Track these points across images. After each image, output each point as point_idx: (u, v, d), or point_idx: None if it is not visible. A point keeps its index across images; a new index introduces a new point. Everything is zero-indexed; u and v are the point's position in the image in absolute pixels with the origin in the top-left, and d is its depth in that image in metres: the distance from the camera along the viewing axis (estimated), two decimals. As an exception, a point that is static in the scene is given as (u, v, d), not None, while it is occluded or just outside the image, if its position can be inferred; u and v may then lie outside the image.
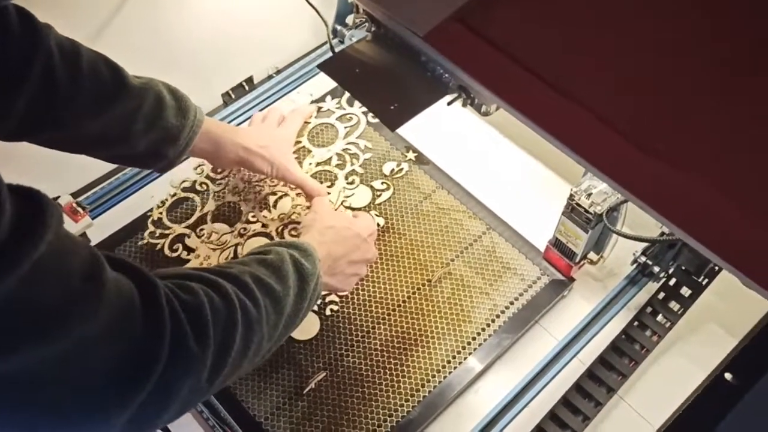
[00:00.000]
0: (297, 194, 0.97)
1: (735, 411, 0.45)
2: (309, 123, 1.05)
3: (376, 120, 1.05)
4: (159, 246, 0.94)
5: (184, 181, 1.00)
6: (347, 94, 1.08)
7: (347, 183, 0.99)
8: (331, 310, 0.87)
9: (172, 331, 0.49)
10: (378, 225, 0.95)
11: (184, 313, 0.51)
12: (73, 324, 0.43)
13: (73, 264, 0.44)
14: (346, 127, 1.05)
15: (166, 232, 0.96)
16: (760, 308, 0.55)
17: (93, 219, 0.95)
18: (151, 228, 0.96)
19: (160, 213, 0.97)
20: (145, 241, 0.95)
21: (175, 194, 0.99)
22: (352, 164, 1.01)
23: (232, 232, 0.95)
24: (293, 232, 0.94)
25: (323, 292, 0.83)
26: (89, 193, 0.99)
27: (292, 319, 0.67)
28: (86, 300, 0.44)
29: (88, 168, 1.00)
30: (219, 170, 1.01)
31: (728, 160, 0.52)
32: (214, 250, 0.93)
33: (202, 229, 0.95)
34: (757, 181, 0.50)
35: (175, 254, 0.94)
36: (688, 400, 0.51)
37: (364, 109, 1.06)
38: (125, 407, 0.47)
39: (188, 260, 0.93)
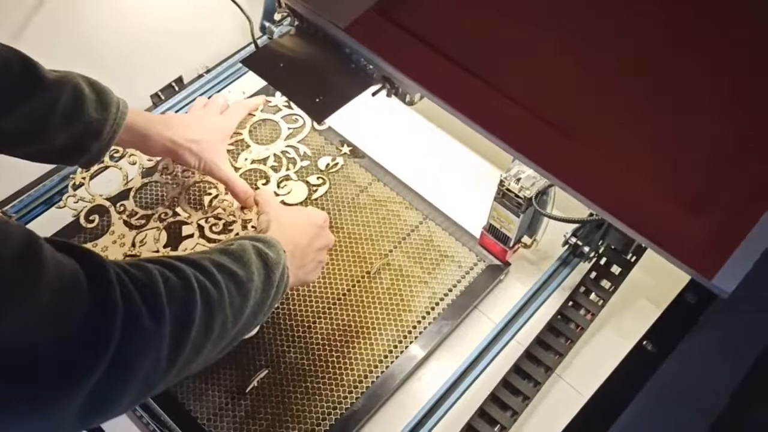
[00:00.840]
0: (225, 193, 0.95)
1: (655, 377, 0.47)
2: (254, 115, 1.04)
3: (322, 128, 1.04)
4: (75, 214, 0.93)
5: (115, 153, 0.98)
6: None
7: (278, 188, 0.98)
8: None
9: (124, 309, 0.48)
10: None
11: (136, 290, 0.50)
12: (7, 306, 0.41)
13: (6, 247, 0.43)
14: (290, 128, 1.04)
15: (86, 200, 0.93)
16: (684, 281, 0.57)
17: (20, 228, 0.92)
18: (71, 191, 0.94)
19: (83, 178, 0.95)
20: (62, 205, 0.93)
21: (102, 160, 0.97)
22: (288, 169, 1.00)
23: (152, 215, 0.93)
24: (214, 228, 0.92)
25: (298, 287, 0.85)
26: (15, 202, 0.96)
27: (260, 307, 0.66)
28: (20, 282, 0.43)
29: (14, 177, 0.97)
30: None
31: (643, 144, 0.54)
32: (130, 229, 0.91)
33: (122, 205, 0.93)
34: (671, 163, 0.52)
35: (90, 225, 0.92)
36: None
37: None
38: (75, 391, 0.46)
39: (102, 235, 0.91)
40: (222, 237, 0.92)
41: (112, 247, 0.90)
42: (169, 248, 0.90)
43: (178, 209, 0.93)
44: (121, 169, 0.97)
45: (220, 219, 0.93)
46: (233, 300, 0.61)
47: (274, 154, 1.01)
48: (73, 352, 0.46)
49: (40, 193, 0.98)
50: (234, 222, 0.93)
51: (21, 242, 0.44)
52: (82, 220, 0.92)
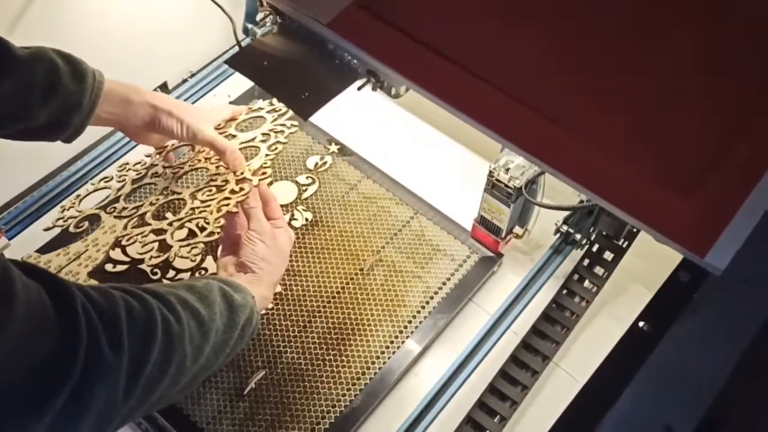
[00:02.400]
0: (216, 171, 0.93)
1: (651, 358, 0.47)
2: (237, 119, 1.01)
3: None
4: (65, 227, 0.92)
5: (104, 178, 0.97)
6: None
7: (269, 150, 0.95)
8: (267, 309, 0.87)
9: (87, 340, 0.48)
10: (306, 220, 0.95)
11: (98, 318, 0.50)
12: None
13: None
14: (274, 117, 1.02)
15: (75, 215, 0.93)
16: (676, 263, 0.57)
17: (10, 240, 0.92)
18: (59, 213, 0.93)
19: (73, 203, 0.94)
20: (50, 226, 0.91)
21: (93, 185, 0.96)
22: (277, 137, 0.97)
23: (143, 204, 0.91)
24: (207, 193, 0.89)
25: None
26: (4, 214, 0.96)
27: (221, 347, 0.67)
28: None
29: (2, 188, 0.97)
30: (144, 165, 0.98)
31: (631, 127, 0.54)
32: (120, 219, 0.90)
33: (113, 207, 0.92)
34: (660, 144, 0.53)
35: (79, 230, 0.91)
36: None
37: None
38: (38, 420, 0.45)
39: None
40: (216, 197, 0.88)
41: (102, 237, 0.88)
42: (168, 232, 0.87)
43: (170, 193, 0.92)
44: (110, 188, 0.96)
45: (214, 190, 0.90)
46: (193, 337, 0.61)
47: (262, 133, 0.98)
48: (38, 382, 0.46)
49: (28, 204, 0.97)
50: (227, 182, 0.90)
51: None
52: (71, 229, 0.91)
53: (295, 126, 0.99)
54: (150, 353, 0.55)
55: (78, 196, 0.95)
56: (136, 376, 0.53)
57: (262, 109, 1.03)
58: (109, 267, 0.85)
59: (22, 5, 0.89)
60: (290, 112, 1.01)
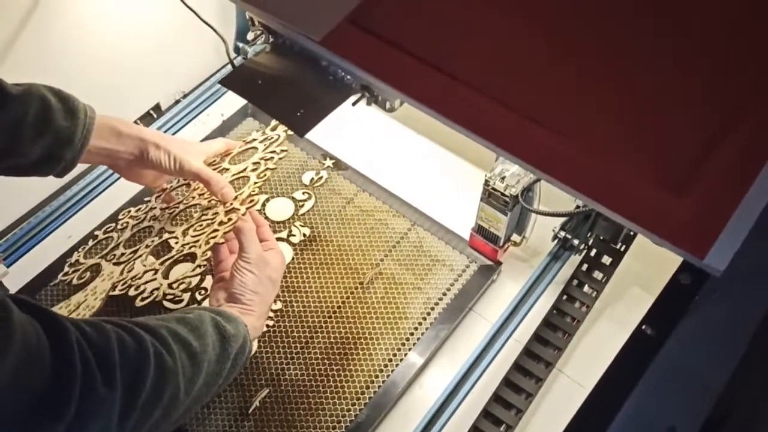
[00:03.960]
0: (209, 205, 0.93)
1: (655, 362, 0.47)
2: (230, 153, 0.99)
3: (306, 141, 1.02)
4: (69, 280, 0.92)
5: (107, 227, 0.98)
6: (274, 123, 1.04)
7: (258, 177, 0.93)
8: (267, 326, 0.87)
9: (82, 375, 0.49)
10: (304, 235, 0.95)
11: (91, 352, 0.50)
12: None
13: None
14: (266, 145, 1.00)
15: (79, 267, 0.93)
16: (675, 265, 0.58)
17: (8, 267, 0.92)
18: (66, 269, 0.94)
19: (79, 255, 0.95)
20: (57, 282, 0.92)
21: (96, 236, 0.97)
22: (266, 164, 0.96)
23: (139, 248, 0.92)
24: (197, 229, 0.89)
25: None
26: (1, 241, 0.96)
27: (214, 379, 0.67)
28: None
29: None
30: (141, 208, 0.98)
31: (624, 130, 0.54)
32: (117, 265, 0.90)
33: (113, 255, 0.93)
34: (654, 146, 0.53)
35: (81, 281, 0.92)
36: (616, 359, 0.53)
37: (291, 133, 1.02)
38: None
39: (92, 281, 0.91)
40: (206, 230, 0.87)
41: (101, 284, 0.89)
42: (158, 272, 0.88)
43: (164, 234, 0.92)
44: (111, 238, 0.97)
45: (204, 225, 0.90)
46: (185, 370, 0.62)
47: (253, 162, 0.96)
48: (34, 417, 0.46)
49: (25, 231, 0.97)
50: (216, 215, 0.89)
51: None
52: (75, 281, 0.92)
53: (285, 151, 0.98)
54: (142, 387, 0.55)
55: (83, 248, 0.96)
56: (129, 410, 0.54)
57: (255, 140, 1.02)
58: None
59: (14, 29, 0.90)
60: (281, 138, 1.00)
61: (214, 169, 0.93)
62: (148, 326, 0.61)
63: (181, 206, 0.95)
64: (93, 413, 0.50)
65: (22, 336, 0.45)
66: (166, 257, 0.87)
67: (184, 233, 0.90)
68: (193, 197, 0.95)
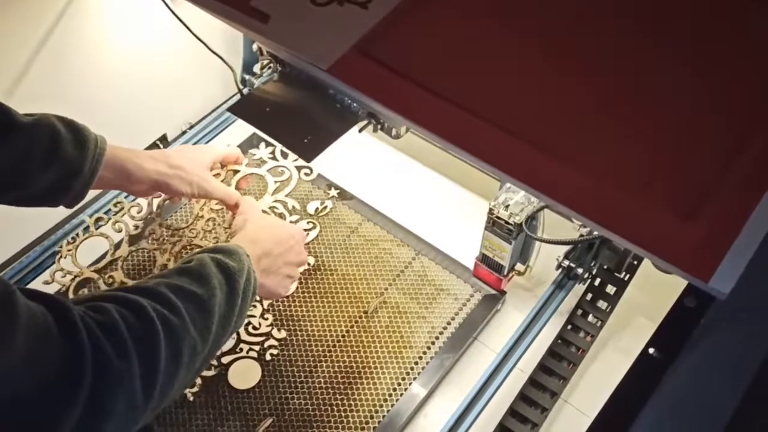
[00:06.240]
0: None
1: (660, 386, 0.47)
2: (238, 171, 0.98)
3: (309, 178, 1.02)
4: (64, 289, 0.90)
5: (99, 219, 0.95)
6: (281, 146, 1.02)
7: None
8: (271, 354, 0.86)
9: (92, 350, 0.49)
10: (309, 264, 0.95)
11: (100, 331, 0.50)
12: None
13: None
14: (276, 182, 1.00)
15: (73, 272, 0.91)
16: (678, 294, 0.58)
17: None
18: (57, 265, 0.91)
19: (69, 251, 0.93)
20: (50, 280, 0.90)
21: (87, 227, 0.94)
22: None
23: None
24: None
25: (265, 300, 0.85)
26: (7, 269, 0.96)
27: (227, 319, 0.65)
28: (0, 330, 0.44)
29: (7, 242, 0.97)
30: (139, 211, 0.95)
31: (629, 155, 0.55)
32: None
33: (110, 277, 0.90)
34: (658, 171, 0.54)
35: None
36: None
37: (299, 162, 1.01)
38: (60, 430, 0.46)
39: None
40: None
41: None
42: None
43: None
44: (107, 237, 0.94)
45: None
46: (195, 321, 0.61)
47: (262, 210, 0.96)
48: (50, 397, 0.46)
49: (24, 264, 0.97)
50: None
51: None
52: (71, 295, 0.90)
53: (297, 212, 0.97)
54: (158, 353, 0.55)
55: (74, 239, 0.93)
56: (152, 379, 0.54)
57: (264, 163, 1.01)
58: None
59: (24, 63, 0.91)
60: (293, 181, 1.00)
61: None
62: (147, 288, 0.60)
63: (185, 240, 0.93)
64: (111, 387, 0.50)
65: (28, 315, 0.46)
66: None
67: None
68: (197, 231, 0.93)
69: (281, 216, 0.97)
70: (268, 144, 1.04)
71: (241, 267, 0.68)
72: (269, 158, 1.03)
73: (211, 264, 0.67)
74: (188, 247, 0.93)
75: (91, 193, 1.02)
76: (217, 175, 0.95)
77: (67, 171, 0.77)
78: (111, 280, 0.90)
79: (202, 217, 0.94)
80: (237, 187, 0.93)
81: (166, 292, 0.60)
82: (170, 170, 0.85)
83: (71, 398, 0.47)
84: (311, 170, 1.01)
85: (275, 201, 0.99)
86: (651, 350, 0.50)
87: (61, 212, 1.02)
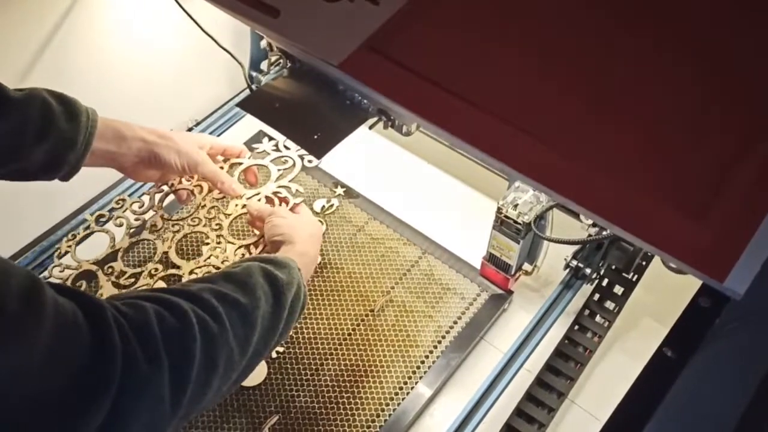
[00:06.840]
0: (217, 242, 0.89)
1: (678, 382, 0.47)
2: (241, 163, 0.96)
3: (312, 165, 0.98)
4: (61, 282, 0.87)
5: (101, 216, 0.94)
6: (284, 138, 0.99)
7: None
8: (277, 352, 0.86)
9: (123, 351, 0.47)
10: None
11: (132, 332, 0.49)
12: (10, 346, 0.41)
13: (10, 285, 0.42)
14: (279, 170, 0.97)
15: (72, 266, 0.89)
16: (687, 297, 0.57)
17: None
18: (56, 261, 0.89)
19: (69, 247, 0.91)
20: (48, 276, 0.88)
21: (89, 226, 0.93)
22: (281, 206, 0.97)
23: (142, 272, 0.87)
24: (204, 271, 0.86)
25: None
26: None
27: (270, 333, 0.64)
28: (23, 321, 0.42)
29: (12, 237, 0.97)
30: (141, 206, 0.93)
31: (643, 154, 0.55)
32: (119, 290, 0.86)
33: (110, 267, 0.88)
34: (673, 169, 0.53)
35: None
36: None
37: (302, 152, 0.98)
38: (86, 428, 0.45)
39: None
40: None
41: None
42: None
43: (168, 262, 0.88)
44: (107, 232, 0.92)
45: (217, 267, 0.88)
46: (237, 331, 0.59)
47: (266, 197, 0.93)
48: (75, 396, 0.45)
49: (24, 264, 0.96)
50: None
51: (24, 282, 0.44)
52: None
53: (301, 195, 0.93)
54: (191, 360, 0.53)
55: (74, 236, 0.92)
56: (182, 386, 0.52)
57: (267, 154, 0.98)
58: None
59: (29, 60, 0.91)
60: (296, 169, 0.96)
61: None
62: (190, 293, 0.58)
63: (186, 227, 0.91)
64: (139, 391, 0.48)
65: (55, 313, 0.44)
66: None
67: (192, 272, 0.86)
68: (199, 219, 0.91)
69: (285, 200, 0.93)
70: (271, 138, 1.02)
71: (290, 280, 0.68)
72: (272, 150, 0.99)
73: (259, 273, 0.65)
74: (190, 236, 0.92)
75: (92, 193, 1.04)
76: (219, 168, 0.93)
77: (61, 143, 0.76)
78: (110, 269, 0.88)
79: (204, 206, 0.92)
80: (241, 181, 0.92)
81: (210, 298, 0.59)
82: (160, 139, 0.84)
83: (96, 400, 0.45)
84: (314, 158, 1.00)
85: (279, 186, 0.95)
86: (665, 349, 0.49)
87: (61, 211, 1.03)
